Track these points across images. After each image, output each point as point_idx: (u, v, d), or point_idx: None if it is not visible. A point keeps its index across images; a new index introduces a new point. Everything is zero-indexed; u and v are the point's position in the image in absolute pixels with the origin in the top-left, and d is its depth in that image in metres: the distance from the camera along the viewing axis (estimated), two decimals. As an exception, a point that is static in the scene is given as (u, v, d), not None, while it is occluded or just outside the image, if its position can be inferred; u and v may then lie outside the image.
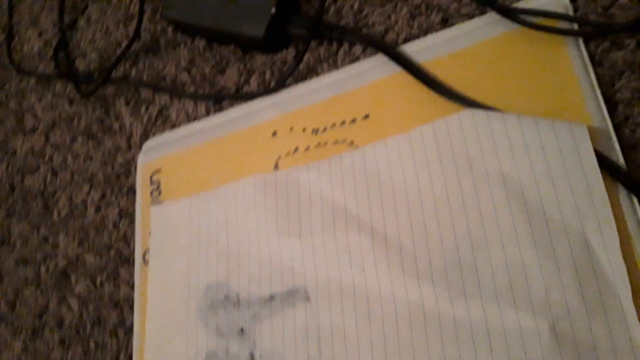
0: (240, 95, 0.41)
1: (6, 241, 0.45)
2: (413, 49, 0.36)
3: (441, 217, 0.30)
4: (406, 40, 0.37)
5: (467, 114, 0.32)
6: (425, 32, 0.37)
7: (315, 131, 0.37)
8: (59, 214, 0.44)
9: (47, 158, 0.47)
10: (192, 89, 0.44)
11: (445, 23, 0.37)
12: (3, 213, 0.47)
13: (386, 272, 0.30)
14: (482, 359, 0.27)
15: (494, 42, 0.34)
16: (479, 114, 0.32)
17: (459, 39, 0.35)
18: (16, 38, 0.55)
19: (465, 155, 0.31)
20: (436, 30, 0.36)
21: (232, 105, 0.41)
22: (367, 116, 0.35)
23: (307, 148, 0.36)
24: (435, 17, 0.37)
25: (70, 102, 0.48)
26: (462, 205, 0.30)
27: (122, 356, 0.37)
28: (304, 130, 0.37)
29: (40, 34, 0.54)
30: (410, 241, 0.30)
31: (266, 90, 0.40)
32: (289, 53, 0.41)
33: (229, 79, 0.43)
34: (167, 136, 0.42)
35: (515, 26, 0.33)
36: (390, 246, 0.31)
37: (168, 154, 0.41)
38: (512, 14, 0.33)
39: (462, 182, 0.31)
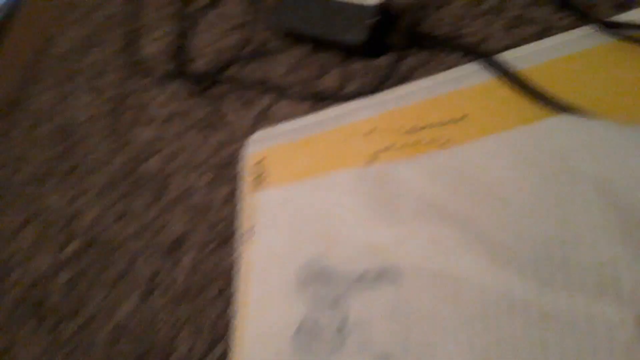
0: (339, 97, 0.44)
1: (126, 215, 0.50)
2: (509, 57, 0.37)
3: (533, 213, 0.31)
4: (503, 49, 0.38)
5: (562, 118, 0.33)
6: (521, 43, 0.38)
7: (410, 130, 0.38)
8: (172, 194, 0.48)
9: (163, 146, 0.51)
10: (294, 90, 0.46)
11: (542, 35, 0.38)
12: (124, 190, 0.51)
13: (475, 261, 0.31)
14: (567, 345, 0.28)
15: (591, 53, 0.35)
16: (574, 119, 0.33)
17: (556, 48, 0.36)
18: (139, 40, 0.60)
19: (559, 157, 0.32)
20: (532, 41, 0.37)
21: (331, 105, 0.44)
22: (462, 118, 0.37)
23: (402, 146, 0.38)
24: (532, 29, 0.38)
25: (185, 99, 0.52)
26: (555, 203, 0.31)
27: (221, 320, 0.40)
28: (399, 129, 0.39)
29: (160, 37, 0.58)
30: (501, 234, 0.32)
31: (364, 92, 0.42)
32: (387, 59, 0.43)
33: (329, 82, 0.45)
34: (271, 131, 0.45)
35: (613, 39, 0.34)
36: (480, 237, 0.32)
37: (272, 146, 0.44)
38: (610, 27, 0.34)
39: (555, 181, 0.32)
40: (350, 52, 0.45)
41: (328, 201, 0.38)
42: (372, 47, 0.44)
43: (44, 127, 0.60)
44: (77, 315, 0.48)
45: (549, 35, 0.37)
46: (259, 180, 0.43)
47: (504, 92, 0.36)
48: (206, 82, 0.52)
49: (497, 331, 0.29)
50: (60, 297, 0.50)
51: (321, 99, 0.45)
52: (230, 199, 0.45)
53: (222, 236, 0.44)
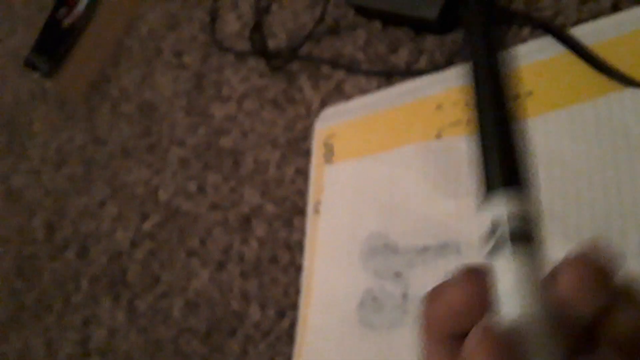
0: (410, 72, 0.45)
1: (202, 190, 0.54)
2: (580, 32, 0.38)
3: (594, 186, 0.32)
4: (575, 24, 0.39)
5: (629, 93, 0.33)
6: (594, 17, 0.38)
7: (478, 105, 0.39)
8: (246, 169, 0.51)
9: (239, 122, 0.54)
10: (366, 67, 0.49)
11: (615, 9, 0.38)
12: (201, 166, 0.55)
13: (535, 233, 0.33)
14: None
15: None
16: (638, 93, 0.33)
17: (627, 23, 0.36)
18: (218, 20, 0.64)
19: (624, 131, 0.33)
20: (606, 15, 0.38)
21: (401, 81, 0.46)
22: (530, 93, 0.38)
23: (469, 121, 0.40)
24: (606, 3, 0.38)
25: (261, 76, 0.56)
26: (616, 176, 0.32)
27: (291, 290, 0.43)
28: (467, 104, 0.40)
29: (239, 17, 0.62)
30: (561, 206, 0.33)
31: (434, 68, 0.44)
32: (459, 34, 0.44)
33: (400, 58, 0.47)
34: (342, 106, 0.48)
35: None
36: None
37: (341, 122, 0.46)
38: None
39: (618, 156, 0.32)
40: (422, 27, 0.46)
41: (393, 175, 0.40)
42: (444, 22, 0.45)
43: (128, 104, 0.65)
44: (154, 288, 0.53)
45: (619, 11, 0.37)
46: (329, 155, 0.46)
47: (571, 67, 0.37)
48: (281, 60, 0.55)
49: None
50: (138, 270, 0.55)
51: (392, 75, 0.47)
52: (301, 174, 0.48)
53: (292, 210, 0.47)
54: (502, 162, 0.16)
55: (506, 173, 0.16)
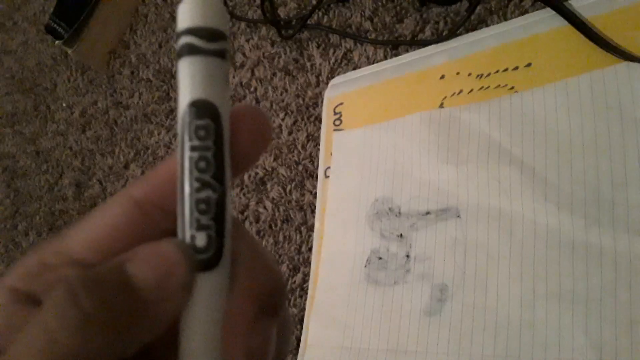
0: (415, 42, 0.45)
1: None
2: (579, 4, 0.37)
3: (587, 156, 0.33)
4: (574, -4, 0.38)
5: (623, 66, 0.33)
6: (593, -12, 0.38)
7: (480, 76, 0.40)
8: (259, 134, 0.52)
9: (252, 89, 0.55)
10: (373, 36, 0.48)
11: (615, -20, 0.37)
12: (217, 131, 0.55)
13: (530, 200, 0.33)
14: (607, 278, 0.30)
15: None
16: (635, 67, 0.33)
17: (625, -4, 0.36)
18: (231, -12, 0.63)
19: (617, 104, 0.33)
20: (604, -13, 0.37)
21: (407, 50, 0.46)
22: (529, 64, 0.38)
23: (471, 91, 0.40)
24: (605, -25, 0.38)
25: (272, 44, 0.55)
26: (608, 148, 0.32)
27: (303, 248, 0.45)
28: (470, 75, 0.40)
29: (250, -15, 0.61)
30: (556, 175, 0.33)
31: (439, 38, 0.44)
32: (463, 5, 0.44)
33: (406, 28, 0.47)
34: (350, 75, 0.48)
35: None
36: (536, 178, 0.34)
37: (350, 90, 0.47)
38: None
39: (611, 128, 0.33)
40: (427, -2, 0.46)
41: (398, 143, 0.41)
42: (448, -7, 0.44)
43: (147, 70, 0.65)
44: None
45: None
46: (338, 122, 0.46)
47: (570, 40, 0.36)
48: (291, 29, 0.54)
49: (545, 265, 0.32)
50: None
51: (398, 45, 0.46)
52: (312, 139, 0.48)
53: (304, 173, 0.47)
54: None
55: None
